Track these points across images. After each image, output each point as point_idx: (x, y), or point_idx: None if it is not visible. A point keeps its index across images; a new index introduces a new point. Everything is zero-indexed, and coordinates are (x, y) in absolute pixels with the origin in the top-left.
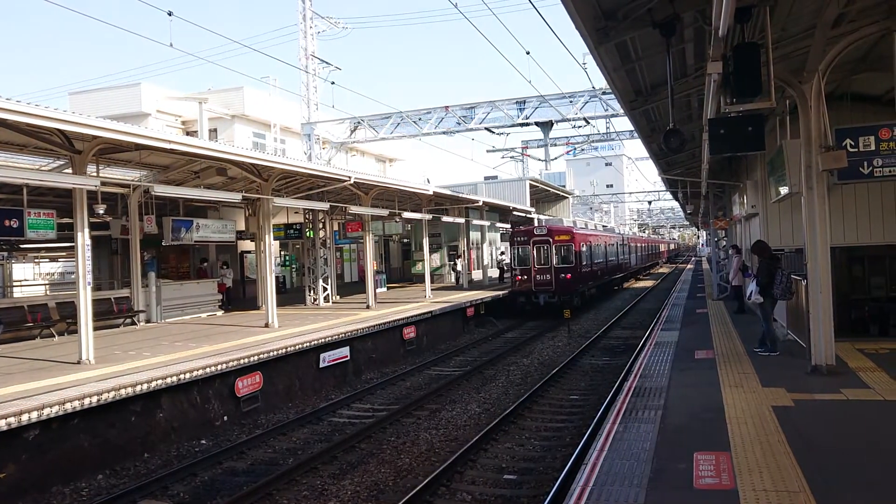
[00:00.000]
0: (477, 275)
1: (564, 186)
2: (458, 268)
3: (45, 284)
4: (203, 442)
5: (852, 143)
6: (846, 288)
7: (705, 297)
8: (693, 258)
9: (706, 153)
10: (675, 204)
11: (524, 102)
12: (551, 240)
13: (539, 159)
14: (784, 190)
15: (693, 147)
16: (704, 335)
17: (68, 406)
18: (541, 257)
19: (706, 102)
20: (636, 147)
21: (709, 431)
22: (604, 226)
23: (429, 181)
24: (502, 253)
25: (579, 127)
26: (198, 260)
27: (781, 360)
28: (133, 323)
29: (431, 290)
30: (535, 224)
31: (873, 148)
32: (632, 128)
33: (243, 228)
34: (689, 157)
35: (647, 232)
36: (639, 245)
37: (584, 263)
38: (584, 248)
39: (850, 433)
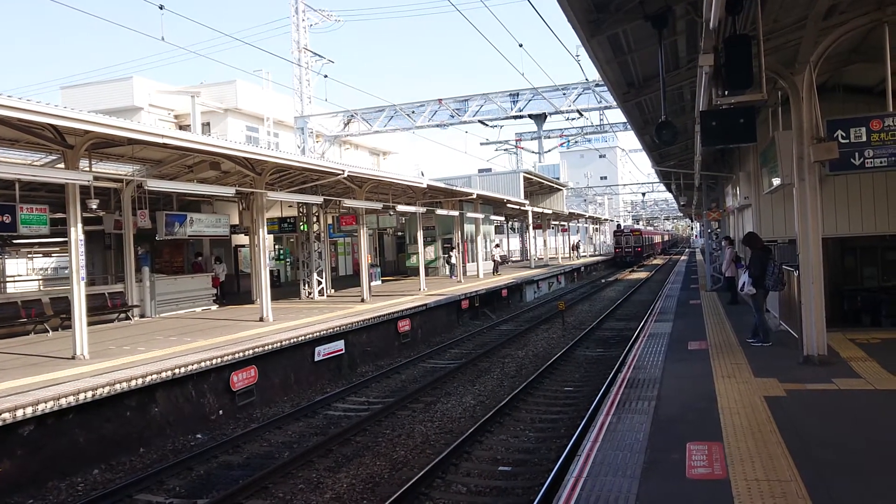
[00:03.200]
0: (471, 268)
1: (558, 179)
2: (453, 261)
3: (38, 280)
4: (198, 436)
5: (844, 135)
6: (838, 279)
7: (699, 288)
8: (687, 249)
9: (699, 145)
10: (669, 195)
11: (517, 95)
12: (632, 233)
13: (533, 152)
14: (776, 181)
15: (686, 139)
16: (698, 326)
17: (63, 401)
18: (627, 241)
19: (698, 94)
20: (630, 139)
21: (701, 422)
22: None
23: (423, 174)
24: (497, 245)
25: (573, 119)
26: (191, 254)
27: (774, 351)
28: (127, 318)
29: (426, 282)
30: (624, 227)
31: (864, 139)
32: (625, 120)
33: (237, 222)
34: (682, 148)
35: (640, 223)
36: (657, 235)
37: (643, 244)
38: (643, 237)
39: (841, 423)
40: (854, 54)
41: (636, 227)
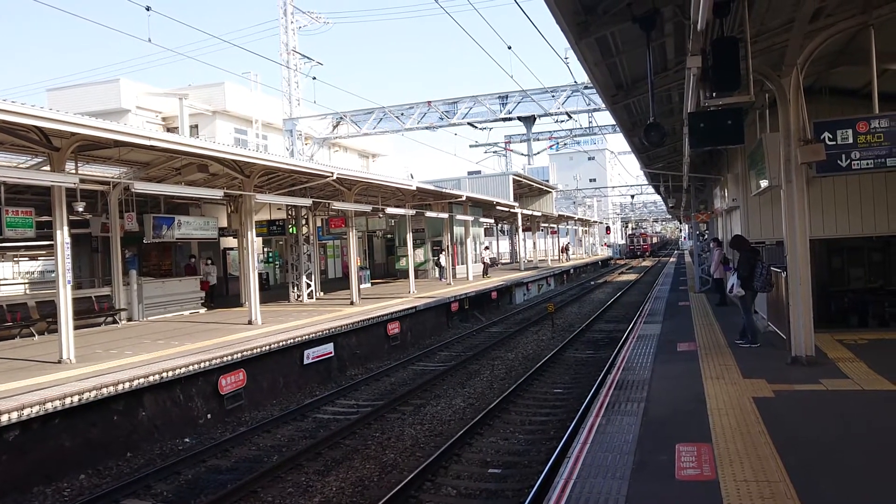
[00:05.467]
0: (461, 270)
1: (548, 181)
2: (443, 263)
3: (24, 283)
4: (186, 440)
5: (830, 137)
6: (826, 280)
7: (687, 289)
8: (675, 251)
9: (687, 147)
10: (658, 198)
11: (506, 97)
12: (642, 235)
13: (522, 154)
14: (764, 183)
15: (674, 141)
16: (687, 328)
17: (49, 406)
18: (639, 240)
19: (686, 96)
20: (619, 141)
21: (691, 423)
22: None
23: (412, 176)
24: (486, 248)
25: (562, 121)
26: (179, 257)
27: (762, 352)
28: (115, 321)
29: (415, 285)
30: (637, 230)
31: (851, 141)
32: (614, 122)
33: (225, 225)
34: (671, 151)
35: (629, 226)
36: (649, 238)
37: (649, 243)
38: (648, 238)
39: (828, 423)
40: (840, 57)
41: (644, 231)
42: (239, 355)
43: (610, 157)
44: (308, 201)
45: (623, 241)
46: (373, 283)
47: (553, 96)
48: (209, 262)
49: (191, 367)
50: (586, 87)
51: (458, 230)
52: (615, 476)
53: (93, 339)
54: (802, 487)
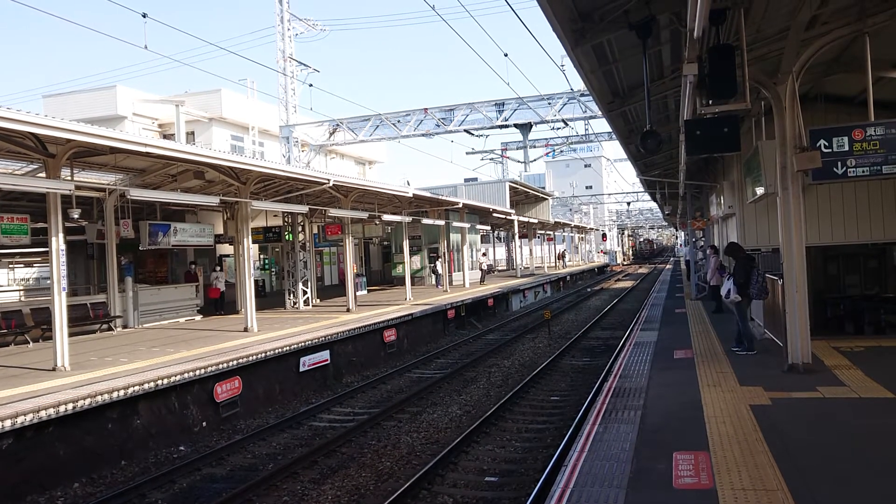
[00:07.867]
0: (457, 277)
1: (544, 188)
2: (439, 270)
3: (19, 290)
4: (181, 448)
5: (826, 144)
6: (822, 287)
7: (684, 297)
8: (672, 258)
9: (683, 154)
10: (654, 205)
11: (503, 104)
12: (647, 242)
13: (518, 161)
14: (760, 190)
15: (670, 148)
16: (683, 335)
17: (43, 414)
18: (646, 246)
19: (682, 104)
20: (615, 148)
21: (688, 431)
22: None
23: (408, 183)
24: (484, 254)
25: (558, 129)
26: (175, 264)
27: (758, 359)
28: (110, 328)
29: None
30: (646, 237)
31: (847, 148)
32: (610, 129)
33: (221, 232)
34: (667, 158)
35: (626, 232)
36: (652, 242)
37: (653, 248)
38: (653, 244)
39: (825, 431)
40: (835, 64)
41: (650, 238)
42: (234, 363)
43: (606, 165)
44: (304, 208)
45: (619, 248)
46: (369, 290)
47: (549, 103)
48: (217, 268)
49: (186, 375)
50: (582, 95)
51: (455, 237)
52: (613, 484)
53: (88, 347)
54: (800, 496)
